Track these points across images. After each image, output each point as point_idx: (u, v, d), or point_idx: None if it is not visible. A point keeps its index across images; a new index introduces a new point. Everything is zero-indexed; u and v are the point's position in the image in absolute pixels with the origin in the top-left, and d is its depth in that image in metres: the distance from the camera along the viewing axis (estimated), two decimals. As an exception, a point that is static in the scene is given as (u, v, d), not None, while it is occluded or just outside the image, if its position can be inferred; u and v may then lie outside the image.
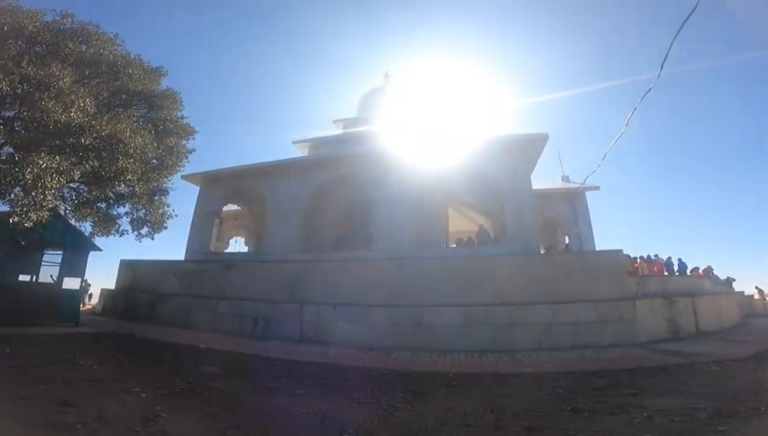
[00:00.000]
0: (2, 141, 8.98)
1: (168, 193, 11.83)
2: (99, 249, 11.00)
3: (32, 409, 4.08)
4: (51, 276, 10.35)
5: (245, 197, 14.14)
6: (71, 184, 10.80)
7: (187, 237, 12.89)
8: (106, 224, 11.64)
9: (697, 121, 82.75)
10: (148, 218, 11.88)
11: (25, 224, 8.25)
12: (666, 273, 14.21)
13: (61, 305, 9.82)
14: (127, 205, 11.64)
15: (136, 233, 12.12)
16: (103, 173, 9.73)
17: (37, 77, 8.37)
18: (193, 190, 13.80)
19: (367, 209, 12.75)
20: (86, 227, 12.09)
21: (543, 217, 15.26)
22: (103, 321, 11.30)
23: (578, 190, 14.00)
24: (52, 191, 8.34)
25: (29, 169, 7.82)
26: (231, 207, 15.82)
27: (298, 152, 15.88)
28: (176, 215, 12.90)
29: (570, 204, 14.40)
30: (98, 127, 8.67)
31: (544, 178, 16.60)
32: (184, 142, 11.75)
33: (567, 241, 14.65)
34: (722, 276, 15.52)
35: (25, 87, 8.57)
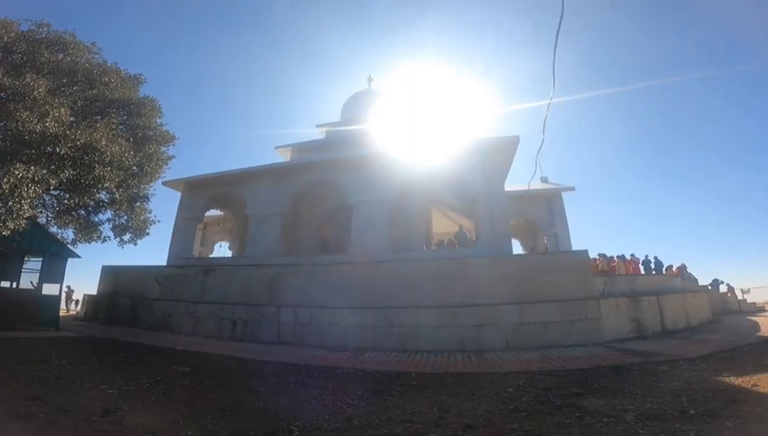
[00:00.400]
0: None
1: (149, 199, 12.08)
2: (78, 256, 11.22)
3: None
4: (31, 282, 10.58)
5: (227, 202, 14.35)
6: (52, 192, 11.05)
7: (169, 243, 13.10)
8: (88, 230, 11.85)
9: (680, 125, 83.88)
10: (130, 224, 12.09)
11: (2, 233, 8.45)
12: (642, 272, 14.47)
13: (41, 310, 10.06)
14: (109, 212, 11.91)
15: (118, 239, 12.36)
16: (83, 181, 9.96)
17: (12, 87, 8.58)
18: (177, 196, 14.03)
19: (347, 213, 12.96)
20: (68, 234, 12.41)
21: (523, 218, 15.49)
22: (85, 326, 11.51)
23: (555, 191, 14.22)
24: (29, 201, 8.51)
25: (6, 179, 8.01)
26: (216, 212, 16.08)
27: (282, 157, 16.12)
28: (159, 221, 13.13)
29: (547, 205, 14.62)
30: (73, 136, 8.87)
31: (523, 179, 16.84)
32: (164, 148, 11.94)
33: (546, 241, 14.87)
34: (710, 278, 15.78)
35: (1, 97, 8.78)
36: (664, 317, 9.77)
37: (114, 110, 11.25)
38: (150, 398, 5.15)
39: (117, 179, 9.76)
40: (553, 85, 4.92)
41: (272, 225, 12.79)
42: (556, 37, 4.11)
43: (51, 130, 8.71)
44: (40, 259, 10.81)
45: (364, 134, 16.15)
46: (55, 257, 10.36)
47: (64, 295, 15.37)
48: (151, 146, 11.38)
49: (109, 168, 9.71)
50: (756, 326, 9.96)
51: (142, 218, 11.94)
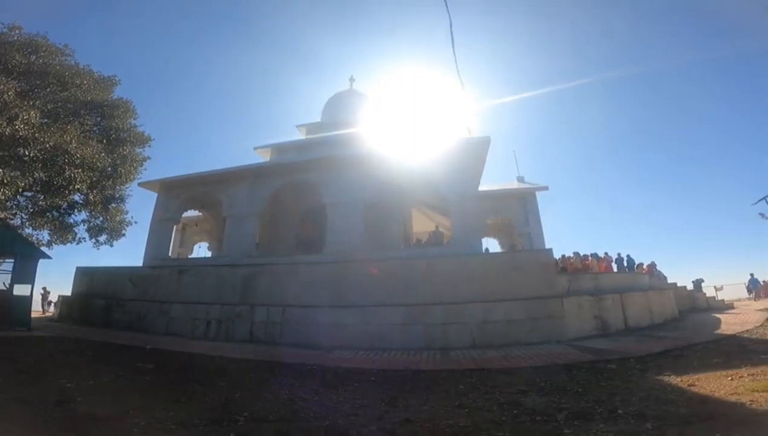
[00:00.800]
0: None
1: (124, 200, 12.22)
2: (48, 257, 11.27)
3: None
4: (3, 284, 10.66)
5: (205, 203, 14.44)
6: (26, 194, 11.14)
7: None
8: (63, 232, 11.94)
9: (655, 123, 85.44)
10: (105, 225, 12.22)
11: None
12: (615, 270, 14.68)
13: (13, 311, 10.14)
14: (84, 214, 12.01)
15: (93, 240, 12.48)
16: (55, 183, 10.05)
17: (-18, 91, 8.68)
18: (155, 197, 14.09)
19: (324, 213, 13.08)
20: (44, 236, 12.49)
21: (500, 217, 15.67)
22: (59, 327, 11.56)
23: (529, 191, 14.40)
24: (-3, 203, 8.62)
25: (-26, 182, 8.10)
26: (195, 213, 16.14)
27: (261, 158, 16.21)
28: (136, 222, 13.30)
29: (522, 204, 14.79)
30: (43, 139, 8.97)
31: (500, 179, 17.09)
32: (139, 150, 12.08)
33: (520, 242, 15.05)
34: (682, 275, 16.04)
35: (-30, 99, 8.85)
36: (627, 315, 9.95)
37: (86, 112, 11.35)
38: (106, 391, 5.28)
39: (89, 181, 9.90)
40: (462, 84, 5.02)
41: (248, 225, 12.90)
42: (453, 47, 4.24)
43: (20, 133, 8.82)
44: (12, 260, 10.85)
45: (345, 135, 16.27)
46: (27, 259, 10.41)
47: (39, 296, 15.60)
48: (125, 148, 11.50)
49: (80, 170, 9.83)
50: (717, 324, 10.15)
51: (117, 219, 12.08)
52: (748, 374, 5.19)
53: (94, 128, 11.38)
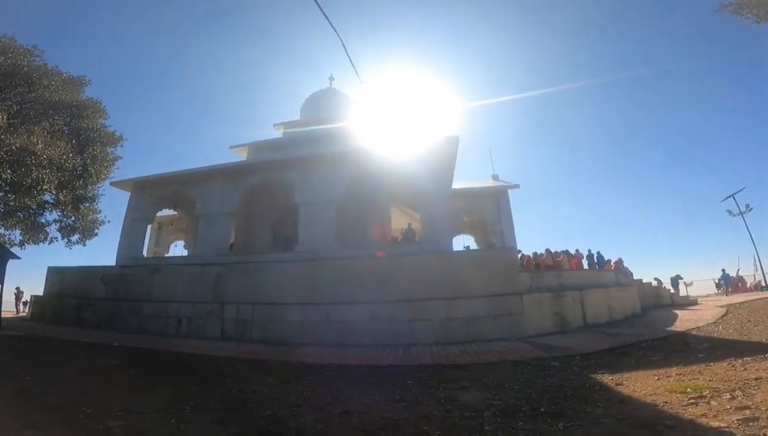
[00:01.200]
0: None
1: (95, 200, 12.24)
2: (17, 257, 11.30)
3: None
4: None
5: (179, 202, 14.48)
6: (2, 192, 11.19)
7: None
8: (35, 232, 11.98)
9: (629, 123, 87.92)
10: (77, 225, 12.26)
11: None
12: (586, 266, 14.97)
13: None
14: (56, 213, 12.05)
15: (66, 240, 12.53)
16: (24, 183, 10.07)
17: (-55, 93, 8.69)
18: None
19: (298, 212, 13.19)
20: (16, 236, 12.48)
21: (475, 215, 15.86)
22: (30, 326, 11.62)
23: (501, 189, 14.60)
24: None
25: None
26: (172, 212, 16.16)
27: (238, 157, 16.26)
28: (109, 221, 13.34)
29: (494, 202, 14.99)
30: (9, 140, 9.00)
31: (482, 177, 17.29)
32: (110, 149, 12.10)
33: (493, 240, 15.25)
34: (650, 272, 16.36)
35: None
36: (586, 312, 10.19)
37: (55, 113, 11.34)
38: (64, 386, 5.48)
39: (56, 181, 9.94)
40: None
41: (221, 224, 12.99)
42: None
43: (-15, 135, 8.85)
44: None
45: (323, 134, 16.36)
46: None
47: (14, 296, 15.62)
48: (95, 147, 11.52)
49: (47, 170, 9.86)
50: (673, 320, 10.40)
51: (89, 218, 12.12)
52: (676, 374, 5.32)
53: (64, 128, 11.39)
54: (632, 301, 11.92)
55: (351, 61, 5.16)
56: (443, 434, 3.67)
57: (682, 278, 20.22)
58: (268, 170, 13.17)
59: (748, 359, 5.68)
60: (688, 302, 14.62)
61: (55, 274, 12.75)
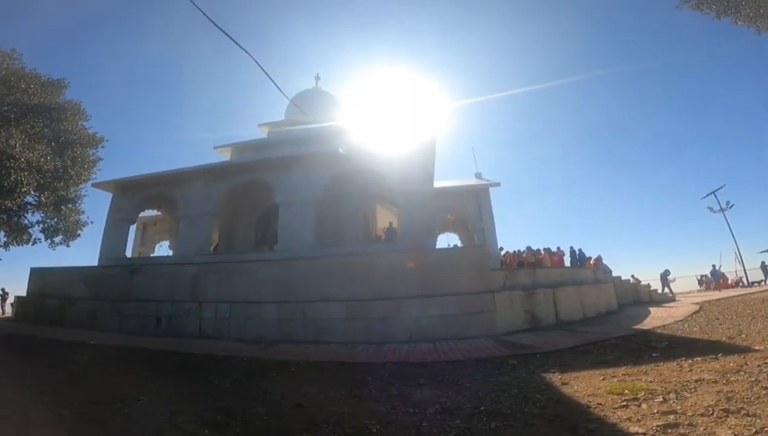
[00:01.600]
0: None
1: (77, 201, 12.35)
2: None
3: None
4: None
5: (161, 203, 14.63)
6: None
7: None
8: (18, 233, 12.13)
9: (612, 119, 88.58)
10: (59, 226, 12.40)
11: None
12: (569, 263, 15.00)
13: None
14: (38, 215, 12.18)
15: (49, 241, 12.69)
16: (4, 185, 10.19)
17: None
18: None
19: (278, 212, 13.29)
20: (0, 238, 12.63)
21: (458, 213, 15.91)
22: (12, 326, 11.82)
23: (482, 187, 14.63)
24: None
25: None
26: (157, 212, 16.30)
27: (222, 157, 16.34)
28: (92, 222, 13.48)
29: (475, 201, 15.03)
30: (-15, 145, 9.13)
31: (463, 175, 17.31)
32: (92, 151, 12.20)
33: (475, 238, 15.31)
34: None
35: None
36: (558, 310, 10.25)
37: (34, 116, 11.44)
38: (35, 380, 5.77)
39: (35, 183, 10.05)
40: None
41: (202, 225, 13.11)
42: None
43: (-38, 139, 8.97)
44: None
45: (307, 134, 16.41)
46: None
47: None
48: (75, 149, 11.62)
49: (26, 173, 9.97)
50: (644, 317, 10.41)
51: (72, 219, 12.25)
52: (623, 374, 5.36)
53: (45, 130, 11.49)
54: (607, 298, 11.95)
55: (271, 79, 5.17)
56: (381, 429, 3.76)
57: (670, 274, 20.24)
58: (248, 171, 13.27)
59: (699, 359, 5.72)
60: (666, 299, 14.64)
61: (37, 275, 12.91)
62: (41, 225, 12.37)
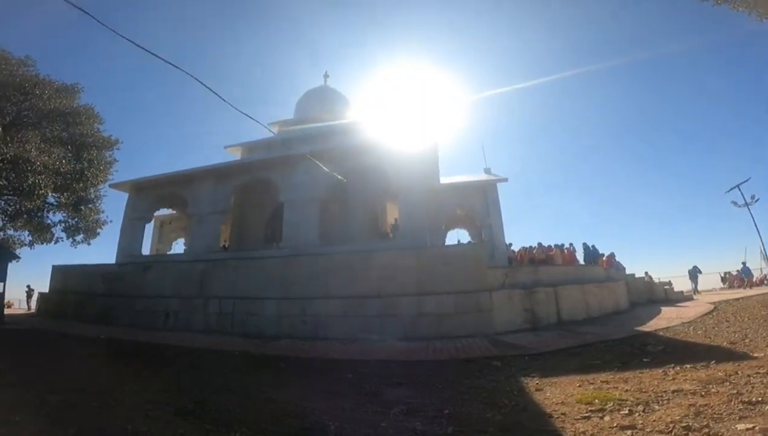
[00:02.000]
0: None
1: (96, 201, 13.01)
2: (18, 257, 12.22)
3: None
4: None
5: (173, 202, 15.15)
6: (1, 200, 12.11)
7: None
8: (42, 232, 12.90)
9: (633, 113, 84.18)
10: (80, 225, 13.09)
11: None
12: (582, 260, 14.48)
13: None
14: (59, 215, 12.91)
15: (71, 239, 13.42)
16: (23, 188, 10.84)
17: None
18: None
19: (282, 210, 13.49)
20: (25, 237, 13.49)
21: (467, 209, 15.65)
22: (35, 321, 12.62)
23: (489, 182, 14.29)
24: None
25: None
26: (173, 211, 16.91)
27: (234, 156, 16.73)
28: (111, 221, 14.15)
29: (483, 196, 14.70)
30: (3, 150, 9.70)
31: (475, 170, 16.97)
32: (107, 153, 12.79)
33: (483, 234, 15.00)
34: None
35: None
36: (560, 309, 9.91)
37: (49, 121, 12.05)
38: (39, 370, 6.13)
39: (52, 185, 10.66)
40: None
41: (211, 223, 13.48)
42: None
43: (-18, 146, 9.59)
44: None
45: (315, 132, 16.54)
46: None
47: (25, 294, 16.98)
48: (91, 152, 12.21)
49: (43, 175, 10.56)
50: (652, 317, 9.86)
51: (91, 219, 12.91)
52: (602, 381, 5.14)
53: (63, 134, 12.13)
54: (615, 297, 11.42)
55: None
56: (340, 425, 3.80)
57: (700, 272, 19.19)
58: (254, 170, 13.53)
59: (689, 366, 5.40)
60: (682, 298, 13.84)
61: (58, 272, 13.71)
62: (63, 224, 13.15)
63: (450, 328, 9.28)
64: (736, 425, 3.24)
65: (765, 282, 19.00)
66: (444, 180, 15.94)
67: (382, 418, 4.04)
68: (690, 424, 3.40)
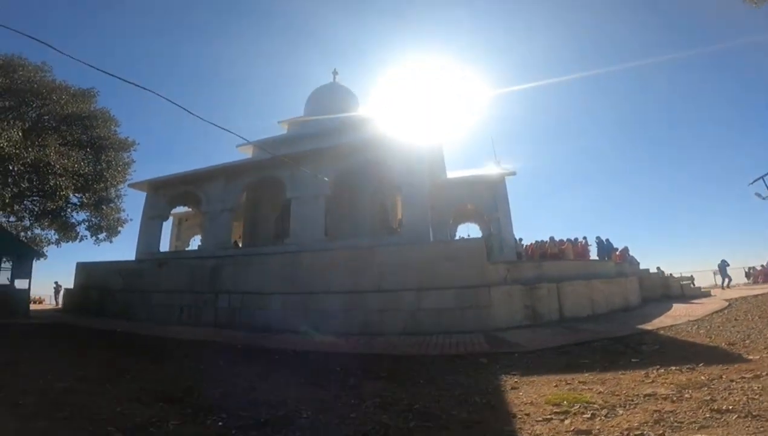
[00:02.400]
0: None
1: (115, 201, 13.69)
2: (43, 256, 13.02)
3: None
4: (7, 279, 12.55)
5: (188, 200, 15.68)
6: (34, 198, 12.95)
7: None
8: (67, 231, 13.70)
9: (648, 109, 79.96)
10: (102, 224, 13.82)
11: None
12: (595, 254, 14.04)
13: (14, 302, 11.99)
14: (83, 214, 13.67)
15: (94, 238, 14.19)
16: (46, 190, 11.56)
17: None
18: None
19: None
20: (52, 236, 14.36)
21: (474, 203, 15.46)
22: (59, 316, 13.37)
23: (497, 177, 14.02)
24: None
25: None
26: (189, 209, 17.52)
27: (245, 155, 17.12)
28: (131, 220, 14.85)
29: (490, 190, 14.45)
30: (24, 154, 10.34)
31: (476, 166, 16.70)
32: (125, 154, 13.42)
33: (491, 228, 14.75)
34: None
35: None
36: (563, 305, 9.67)
37: (67, 125, 12.70)
38: (45, 358, 6.79)
39: (72, 187, 11.30)
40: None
41: (222, 220, 13.92)
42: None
43: (6, 150, 10.24)
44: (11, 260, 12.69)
45: (326, 128, 16.70)
46: (23, 258, 12.22)
47: (53, 290, 18.06)
48: (109, 154, 12.83)
49: (63, 178, 11.19)
50: (660, 315, 9.43)
51: (112, 217, 13.61)
52: (579, 382, 5.04)
53: (82, 137, 12.81)
54: (624, 293, 10.99)
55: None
56: (313, 414, 3.96)
57: (729, 265, 18.23)
58: (262, 168, 13.84)
59: (674, 368, 5.23)
60: (700, 294, 13.13)
61: (82, 269, 14.50)
62: (86, 223, 13.92)
63: (450, 323, 9.24)
64: (694, 435, 3.15)
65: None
66: (453, 174, 15.77)
67: (354, 409, 4.17)
68: (645, 432, 3.32)
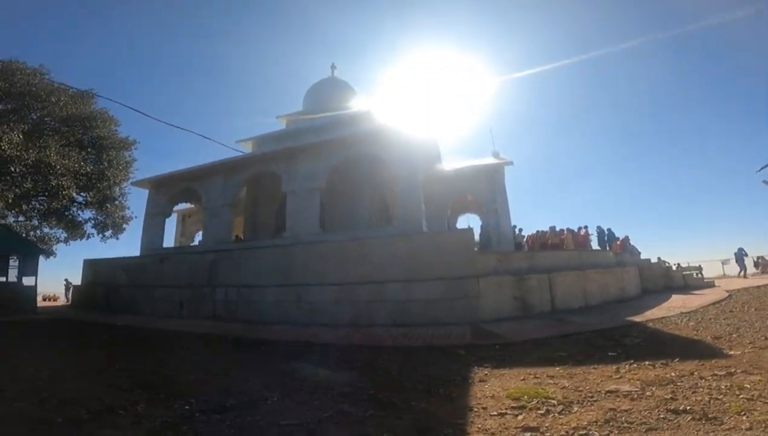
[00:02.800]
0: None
1: (118, 199, 14.05)
2: (50, 253, 13.41)
3: None
4: (15, 276, 13.05)
5: (189, 197, 15.96)
6: (41, 198, 13.43)
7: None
8: (74, 229, 14.14)
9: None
10: (107, 221, 14.20)
11: None
12: (596, 243, 13.72)
13: (22, 298, 12.47)
14: (88, 213, 14.09)
15: (100, 235, 14.62)
16: (49, 190, 11.92)
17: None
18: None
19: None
20: (60, 235, 14.85)
21: (472, 194, 15.26)
22: (67, 312, 13.83)
23: (494, 167, 13.76)
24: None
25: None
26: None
27: (246, 150, 17.27)
28: (135, 217, 15.21)
29: (488, 181, 14.22)
30: (25, 156, 10.67)
31: (474, 156, 16.42)
32: (126, 153, 13.71)
33: (489, 219, 14.52)
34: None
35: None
36: (554, 296, 9.48)
37: (68, 126, 13.02)
38: (44, 349, 7.19)
39: (74, 186, 11.63)
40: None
41: (222, 215, 14.13)
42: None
43: (8, 152, 10.60)
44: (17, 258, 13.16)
45: (324, 122, 16.69)
46: (29, 256, 12.68)
47: (63, 287, 18.70)
48: (110, 153, 13.14)
49: (65, 178, 11.53)
50: (654, 306, 9.12)
51: (117, 215, 13.98)
52: (547, 375, 4.94)
53: (83, 138, 13.14)
54: (620, 284, 10.67)
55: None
56: (278, 400, 4.14)
57: (746, 254, 17.57)
58: (259, 163, 13.96)
59: (647, 363, 5.08)
60: (703, 285, 12.65)
61: (89, 265, 14.96)
62: (92, 221, 14.34)
63: (438, 314, 9.16)
64: (639, 438, 3.08)
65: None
66: (452, 165, 15.58)
67: (318, 397, 4.27)
68: (591, 432, 3.23)
